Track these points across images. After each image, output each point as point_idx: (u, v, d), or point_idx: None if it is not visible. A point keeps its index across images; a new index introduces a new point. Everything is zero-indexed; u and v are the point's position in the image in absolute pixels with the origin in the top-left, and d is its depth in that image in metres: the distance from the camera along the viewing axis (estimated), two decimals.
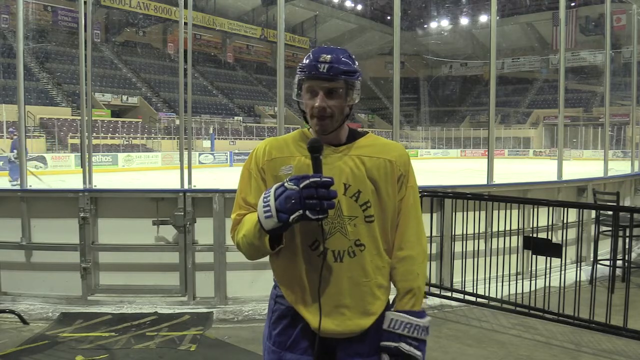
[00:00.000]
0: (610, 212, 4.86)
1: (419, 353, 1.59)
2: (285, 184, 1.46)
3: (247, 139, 39.22)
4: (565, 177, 5.91)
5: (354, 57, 1.66)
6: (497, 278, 4.59)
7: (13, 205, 4.68)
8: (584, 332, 3.93)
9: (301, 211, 1.42)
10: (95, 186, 4.88)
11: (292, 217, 1.43)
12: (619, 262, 4.99)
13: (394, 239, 1.68)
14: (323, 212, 1.43)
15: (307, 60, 1.61)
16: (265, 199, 1.48)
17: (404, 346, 1.58)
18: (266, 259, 1.73)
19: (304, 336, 1.64)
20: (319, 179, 1.43)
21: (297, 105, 1.66)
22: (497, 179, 5.48)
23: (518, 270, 4.78)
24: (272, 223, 1.46)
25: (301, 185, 1.42)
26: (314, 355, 1.62)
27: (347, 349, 1.63)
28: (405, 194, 1.68)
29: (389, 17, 49.03)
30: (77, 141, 26.24)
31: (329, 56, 1.58)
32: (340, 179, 1.59)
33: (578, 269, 4.08)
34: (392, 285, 1.71)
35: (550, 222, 5.12)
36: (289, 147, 1.67)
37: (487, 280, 4.51)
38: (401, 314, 1.62)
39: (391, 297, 1.69)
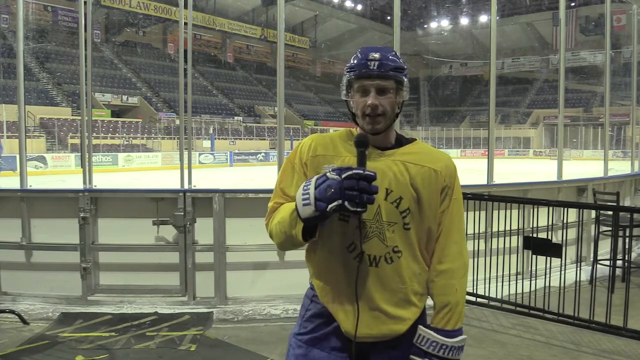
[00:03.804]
0: (610, 212, 4.86)
1: None
2: (327, 174, 1.44)
3: (247, 139, 39.23)
4: (565, 177, 5.91)
5: (398, 55, 1.65)
6: (497, 278, 4.59)
7: (13, 205, 4.68)
8: (584, 332, 3.93)
9: (340, 201, 1.39)
10: (95, 186, 4.88)
11: (330, 207, 1.40)
12: (619, 262, 4.99)
13: (432, 249, 1.65)
14: (362, 205, 1.40)
15: (356, 60, 1.60)
16: (305, 187, 1.47)
17: None
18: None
19: (336, 336, 1.62)
20: (361, 171, 1.41)
21: (346, 106, 1.64)
22: (497, 179, 5.48)
23: (518, 270, 4.78)
24: (309, 211, 1.44)
25: (343, 176, 1.40)
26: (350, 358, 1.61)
27: (382, 354, 1.62)
28: (448, 206, 1.65)
29: (389, 17, 49.02)
30: (77, 141, 26.24)
31: (377, 54, 1.57)
32: (383, 184, 1.55)
33: (578, 269, 4.08)
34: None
35: (550, 222, 5.12)
36: (335, 145, 1.65)
37: (487, 280, 4.51)
38: (430, 331, 1.60)
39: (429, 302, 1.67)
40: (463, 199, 5.22)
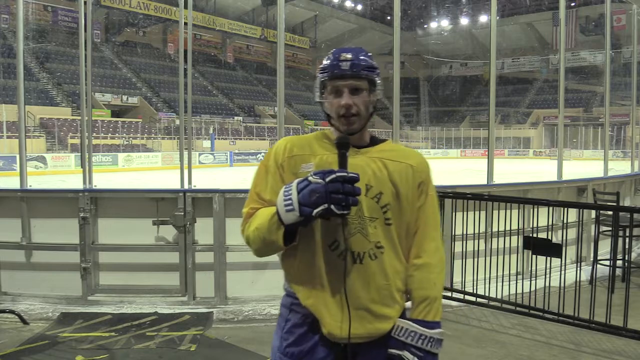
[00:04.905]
0: (610, 212, 4.86)
1: None
2: (310, 178, 1.43)
3: (247, 139, 39.25)
4: (565, 177, 5.91)
5: (370, 55, 1.66)
6: (497, 278, 4.59)
7: (13, 205, 4.68)
8: (584, 332, 3.93)
9: (326, 205, 1.40)
10: (95, 186, 4.88)
11: (316, 211, 1.40)
12: (619, 262, 4.98)
13: (410, 245, 1.66)
14: (347, 207, 1.41)
15: (328, 61, 1.61)
16: (286, 192, 1.45)
17: (407, 355, 1.55)
18: (269, 258, 1.72)
19: (321, 346, 1.59)
20: (346, 174, 1.41)
21: (321, 108, 1.65)
22: (497, 179, 5.48)
23: (518, 270, 4.78)
24: (293, 217, 1.43)
25: (327, 179, 1.41)
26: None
27: (367, 355, 1.61)
28: (424, 202, 1.66)
29: (389, 17, 49.03)
30: (77, 141, 26.25)
31: (349, 54, 1.59)
32: (363, 180, 1.55)
33: (578, 269, 4.08)
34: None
35: (550, 222, 5.12)
36: (310, 145, 1.65)
37: (487, 280, 4.51)
38: (409, 321, 1.59)
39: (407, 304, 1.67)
40: (463, 199, 5.19)
